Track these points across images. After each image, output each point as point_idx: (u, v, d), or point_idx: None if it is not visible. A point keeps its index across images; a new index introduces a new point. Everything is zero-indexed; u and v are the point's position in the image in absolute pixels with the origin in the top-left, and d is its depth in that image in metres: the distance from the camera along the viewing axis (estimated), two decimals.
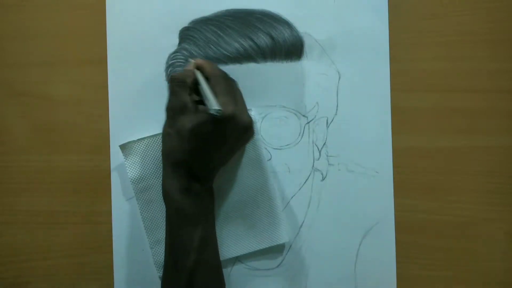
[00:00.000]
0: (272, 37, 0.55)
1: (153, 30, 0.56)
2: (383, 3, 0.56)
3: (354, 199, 0.56)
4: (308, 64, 0.56)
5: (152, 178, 0.55)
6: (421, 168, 0.56)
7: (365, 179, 0.56)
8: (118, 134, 0.56)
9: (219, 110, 0.45)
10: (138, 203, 0.55)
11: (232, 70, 0.55)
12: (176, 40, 0.56)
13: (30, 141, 0.57)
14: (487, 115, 0.56)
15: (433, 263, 0.56)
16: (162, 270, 0.53)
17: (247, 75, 0.55)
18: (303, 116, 0.56)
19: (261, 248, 0.55)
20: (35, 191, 0.57)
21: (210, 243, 0.50)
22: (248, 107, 0.52)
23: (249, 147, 0.55)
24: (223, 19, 0.56)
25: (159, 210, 0.55)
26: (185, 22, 0.56)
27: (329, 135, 0.56)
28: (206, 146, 0.48)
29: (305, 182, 0.56)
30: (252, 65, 0.55)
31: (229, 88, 0.50)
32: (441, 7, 0.56)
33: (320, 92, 0.56)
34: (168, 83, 0.50)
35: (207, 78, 0.50)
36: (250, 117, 0.50)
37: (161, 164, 0.51)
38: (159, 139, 0.54)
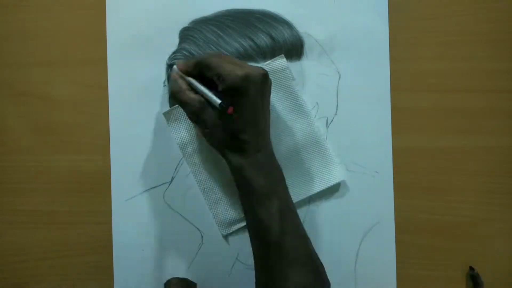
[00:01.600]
0: (272, 37, 0.55)
1: (153, 30, 0.56)
2: (383, 3, 0.56)
3: (354, 199, 0.56)
4: (308, 64, 0.56)
5: (198, 141, 0.55)
6: (421, 168, 0.56)
7: (365, 179, 0.56)
8: (118, 134, 0.56)
9: (221, 103, 0.46)
10: (190, 167, 0.56)
11: None
12: (176, 40, 0.56)
13: (30, 141, 0.57)
14: (487, 115, 0.56)
15: (433, 263, 0.56)
16: (226, 229, 0.55)
17: None
18: None
19: (319, 190, 0.55)
20: (35, 191, 0.57)
21: (290, 214, 0.49)
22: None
23: (287, 95, 0.55)
24: (223, 19, 0.56)
25: (212, 171, 0.56)
26: (185, 22, 0.56)
27: (329, 135, 0.56)
28: (243, 119, 0.47)
29: None
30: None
31: (223, 58, 0.48)
32: (441, 7, 0.56)
33: (320, 92, 0.56)
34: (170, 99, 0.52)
35: (200, 73, 0.49)
36: (258, 68, 0.48)
37: None
38: None
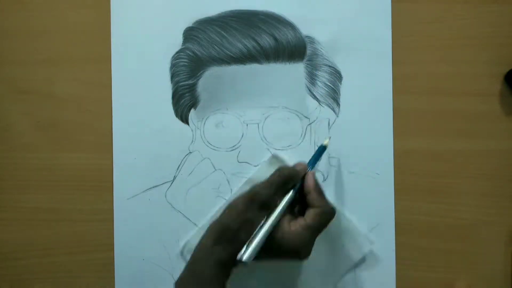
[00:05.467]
0: (275, 38, 0.56)
1: (157, 30, 0.57)
2: (386, 6, 0.56)
3: (355, 200, 0.56)
4: (310, 66, 0.56)
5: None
6: (421, 170, 0.56)
7: (366, 181, 0.56)
8: (121, 133, 0.57)
9: (244, 262, 0.45)
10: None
11: (235, 70, 0.56)
12: (180, 40, 0.56)
13: (33, 139, 0.57)
14: (488, 119, 0.56)
15: (433, 265, 0.56)
16: None
17: (250, 76, 0.56)
18: (305, 117, 0.56)
19: (351, 266, 0.56)
20: (38, 188, 0.57)
21: None
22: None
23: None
24: (227, 19, 0.56)
25: None
26: (189, 22, 0.56)
27: (331, 136, 0.56)
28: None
29: None
30: (255, 66, 0.56)
31: (320, 221, 0.48)
32: (443, 11, 0.56)
33: (322, 94, 0.56)
34: (276, 172, 0.49)
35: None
36: (308, 254, 0.48)
37: None
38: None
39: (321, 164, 0.56)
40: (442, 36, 0.56)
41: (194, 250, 0.48)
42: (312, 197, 0.49)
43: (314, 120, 0.56)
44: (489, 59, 0.56)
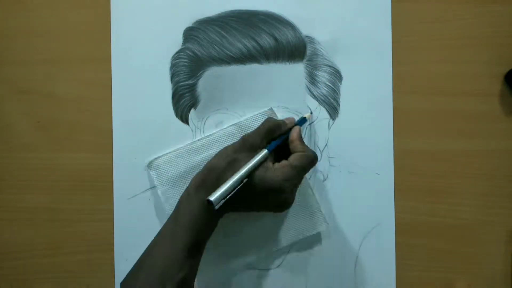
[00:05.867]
0: (275, 38, 0.56)
1: (157, 29, 0.57)
2: (386, 6, 0.56)
3: (355, 200, 0.56)
4: (310, 66, 0.56)
5: (179, 188, 0.55)
6: (422, 170, 0.56)
7: (366, 181, 0.56)
8: (121, 133, 0.57)
9: (210, 202, 0.44)
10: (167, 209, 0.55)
11: (235, 70, 0.56)
12: (180, 40, 0.56)
13: (33, 139, 0.57)
14: (488, 119, 0.56)
15: (433, 265, 0.56)
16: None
17: (250, 76, 0.56)
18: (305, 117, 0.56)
19: (300, 238, 0.55)
20: (38, 188, 0.57)
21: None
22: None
23: None
24: (227, 19, 0.56)
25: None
26: (189, 22, 0.56)
27: (331, 136, 0.56)
28: (244, 189, 0.47)
29: None
30: (255, 66, 0.56)
31: (303, 162, 0.49)
32: (443, 11, 0.56)
33: (322, 94, 0.56)
34: (265, 120, 0.52)
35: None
36: (293, 199, 0.50)
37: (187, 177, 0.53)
38: (182, 152, 0.55)
39: (321, 164, 0.56)
40: (442, 36, 0.56)
41: (180, 199, 0.49)
42: (295, 144, 0.51)
43: (314, 120, 0.56)
44: (489, 59, 0.56)
